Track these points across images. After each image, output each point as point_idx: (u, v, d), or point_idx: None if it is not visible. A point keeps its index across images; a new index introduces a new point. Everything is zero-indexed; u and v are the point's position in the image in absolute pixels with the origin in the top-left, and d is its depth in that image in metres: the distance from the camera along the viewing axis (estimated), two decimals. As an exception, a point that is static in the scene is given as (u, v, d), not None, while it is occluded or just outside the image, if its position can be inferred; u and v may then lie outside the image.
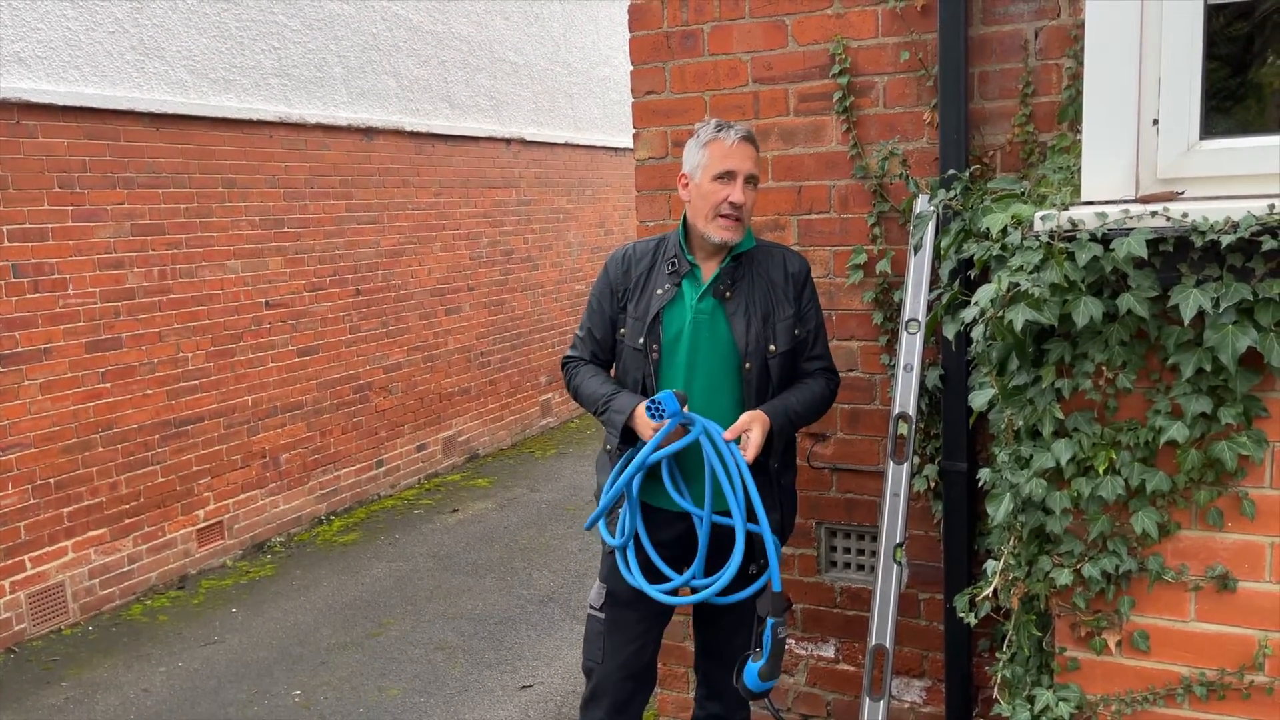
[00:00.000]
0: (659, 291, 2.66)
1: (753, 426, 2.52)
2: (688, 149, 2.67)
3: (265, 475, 6.28)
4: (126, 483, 5.42)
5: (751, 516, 2.48)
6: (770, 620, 2.51)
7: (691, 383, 2.62)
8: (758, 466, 2.59)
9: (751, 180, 2.62)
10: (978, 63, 2.82)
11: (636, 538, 2.62)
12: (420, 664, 4.60)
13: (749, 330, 2.60)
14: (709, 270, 2.66)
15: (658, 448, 2.48)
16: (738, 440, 2.51)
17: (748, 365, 2.60)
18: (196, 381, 5.79)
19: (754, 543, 2.58)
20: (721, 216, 2.59)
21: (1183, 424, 1.88)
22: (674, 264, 2.67)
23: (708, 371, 2.62)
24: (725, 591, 2.57)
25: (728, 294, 2.63)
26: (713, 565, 2.59)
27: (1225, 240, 1.75)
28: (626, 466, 2.54)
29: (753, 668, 2.56)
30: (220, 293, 5.91)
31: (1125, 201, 1.91)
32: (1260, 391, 1.85)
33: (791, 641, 3.35)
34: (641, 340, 2.64)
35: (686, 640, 3.42)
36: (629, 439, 2.62)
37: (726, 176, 2.58)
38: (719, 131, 2.61)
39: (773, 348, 2.62)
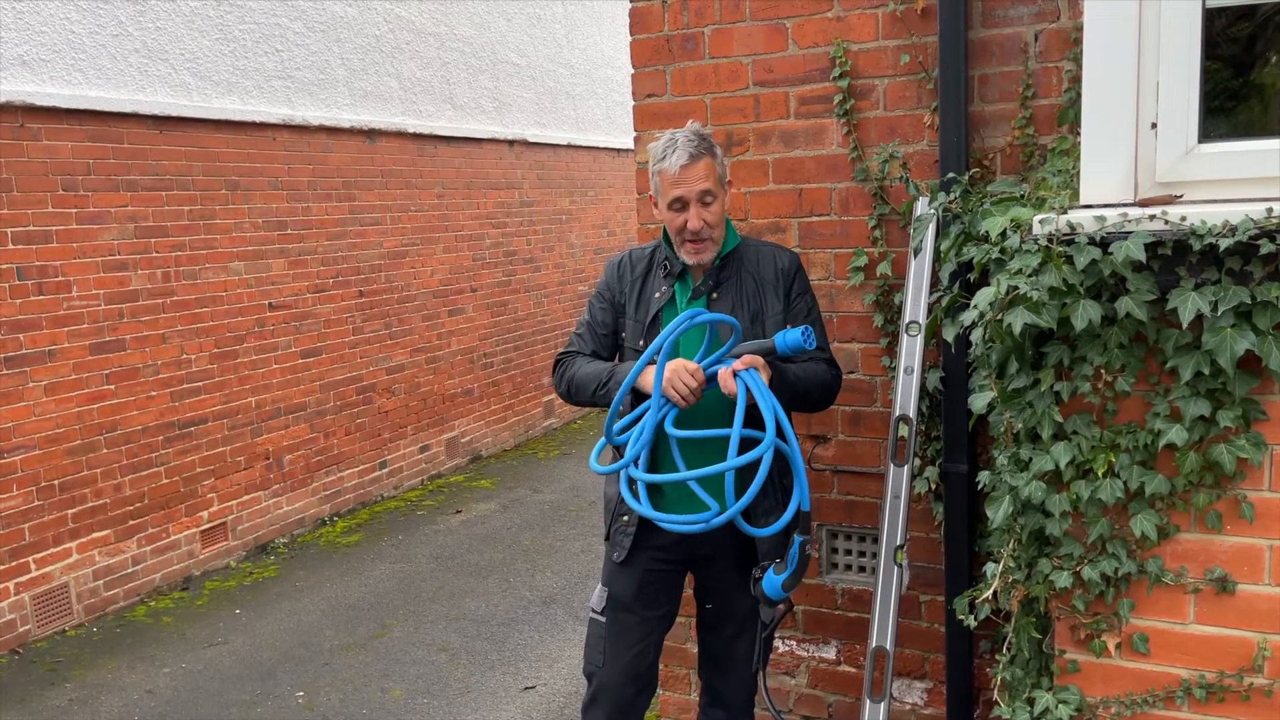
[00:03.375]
0: (657, 294, 2.67)
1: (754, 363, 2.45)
2: (649, 168, 2.63)
3: (269, 477, 6.30)
4: (130, 484, 5.44)
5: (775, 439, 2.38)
6: (798, 538, 2.46)
7: None
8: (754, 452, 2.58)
9: (707, 196, 2.54)
10: (978, 65, 2.82)
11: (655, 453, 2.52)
12: (423, 665, 4.61)
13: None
14: (699, 272, 2.67)
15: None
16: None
17: None
18: (200, 383, 5.81)
19: (755, 547, 2.60)
20: (687, 242, 2.59)
21: (1181, 427, 1.88)
22: (668, 266, 2.68)
23: None
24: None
25: (714, 294, 2.63)
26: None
27: (1223, 244, 1.75)
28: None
29: (775, 578, 2.50)
30: (223, 294, 5.93)
31: (1124, 205, 1.92)
32: (1259, 394, 1.85)
33: (793, 643, 3.36)
34: (642, 342, 2.65)
35: (689, 642, 3.43)
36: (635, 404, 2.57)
37: (678, 204, 2.56)
38: (664, 158, 2.54)
39: None
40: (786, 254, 2.72)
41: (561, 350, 2.81)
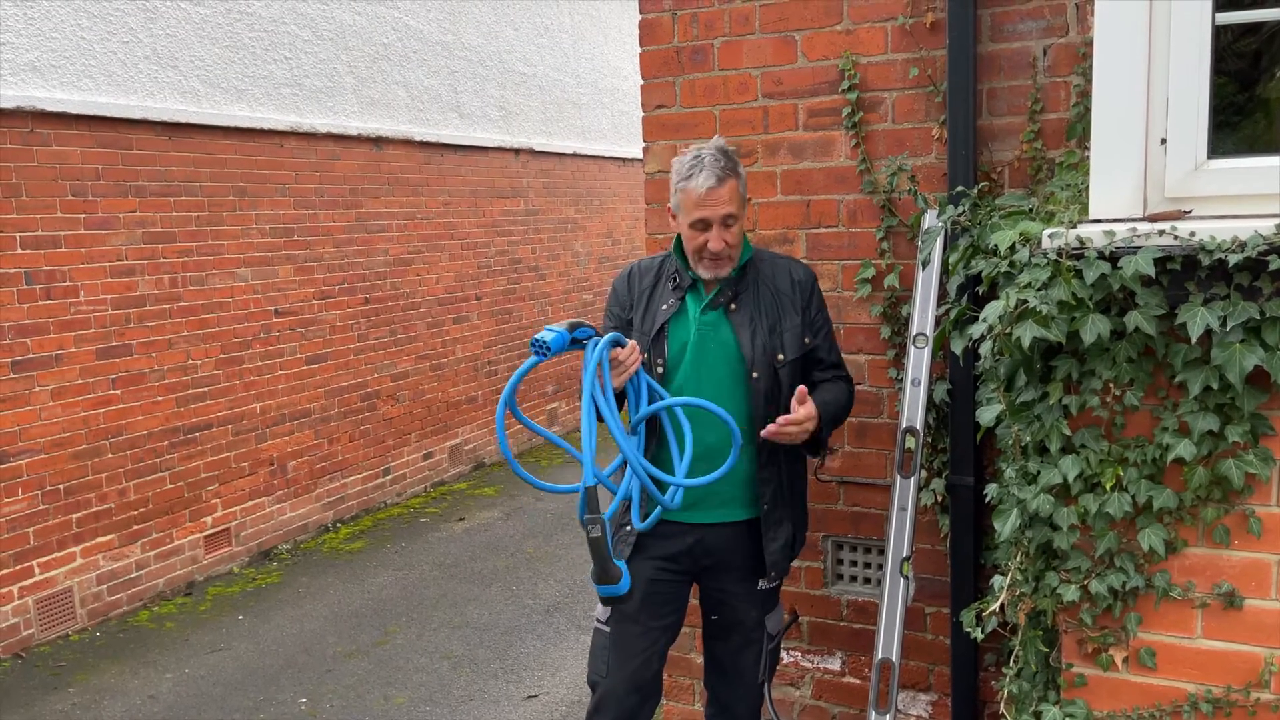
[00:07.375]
0: (664, 307, 2.67)
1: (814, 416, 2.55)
2: (671, 181, 2.63)
3: (273, 483, 6.30)
4: (135, 489, 5.44)
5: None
6: (582, 518, 2.27)
7: (699, 394, 2.63)
8: (770, 461, 2.62)
9: (730, 219, 2.55)
10: (986, 79, 2.83)
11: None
12: (426, 673, 4.60)
13: (754, 340, 2.61)
14: (711, 283, 2.67)
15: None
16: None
17: (755, 374, 2.61)
18: (205, 389, 5.82)
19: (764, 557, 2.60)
20: (706, 259, 2.60)
21: (1190, 441, 1.89)
22: (676, 279, 2.69)
23: (714, 383, 2.63)
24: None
25: (732, 305, 2.64)
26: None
27: (1233, 259, 1.76)
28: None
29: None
30: (230, 300, 5.94)
31: (1133, 220, 1.93)
32: (1267, 409, 1.86)
33: (798, 654, 3.36)
34: (646, 355, 2.65)
35: (693, 653, 3.43)
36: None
37: (701, 224, 2.56)
38: (690, 177, 2.53)
39: (781, 356, 2.63)
40: (801, 267, 2.75)
41: None
